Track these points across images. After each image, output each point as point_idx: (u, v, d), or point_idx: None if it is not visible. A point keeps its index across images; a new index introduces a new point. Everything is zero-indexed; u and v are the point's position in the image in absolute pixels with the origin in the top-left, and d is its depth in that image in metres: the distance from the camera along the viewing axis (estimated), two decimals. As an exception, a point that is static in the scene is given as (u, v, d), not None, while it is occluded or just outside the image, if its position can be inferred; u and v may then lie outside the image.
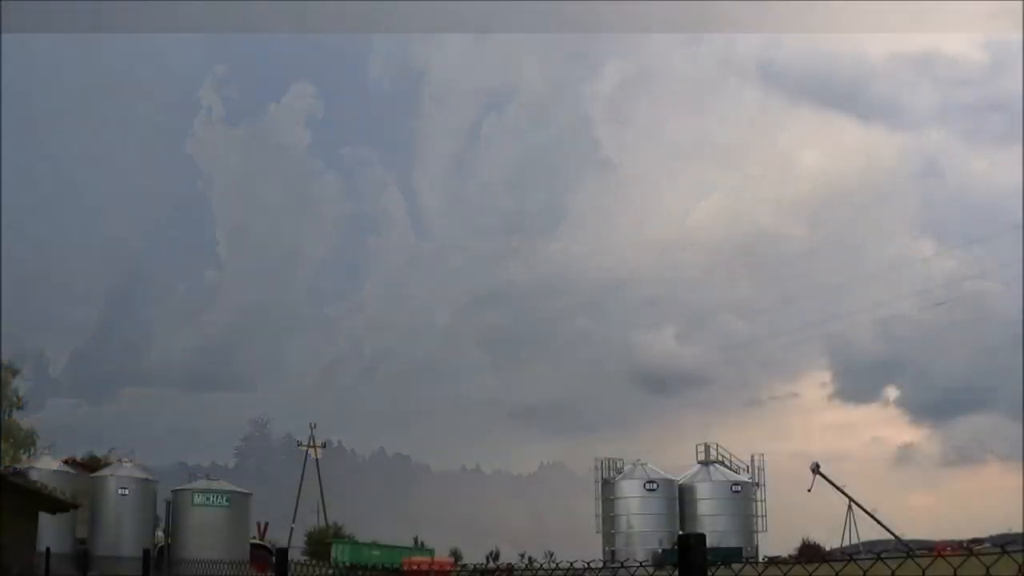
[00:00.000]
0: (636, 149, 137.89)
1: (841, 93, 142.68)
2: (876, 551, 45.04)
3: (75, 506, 21.92)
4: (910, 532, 59.18)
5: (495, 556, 69.05)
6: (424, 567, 47.75)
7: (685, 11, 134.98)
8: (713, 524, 57.54)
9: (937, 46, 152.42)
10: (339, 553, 55.21)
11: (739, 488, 60.92)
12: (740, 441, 64.14)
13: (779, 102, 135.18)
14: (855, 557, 5.51)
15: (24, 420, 61.86)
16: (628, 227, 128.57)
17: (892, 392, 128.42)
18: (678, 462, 63.47)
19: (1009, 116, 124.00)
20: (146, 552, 13.70)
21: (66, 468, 55.91)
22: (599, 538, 61.19)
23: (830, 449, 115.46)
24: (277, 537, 62.38)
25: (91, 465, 60.69)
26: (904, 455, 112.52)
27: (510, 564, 54.36)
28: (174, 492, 54.39)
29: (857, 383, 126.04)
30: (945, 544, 52.27)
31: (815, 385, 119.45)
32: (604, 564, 6.80)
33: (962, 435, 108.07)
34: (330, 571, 39.03)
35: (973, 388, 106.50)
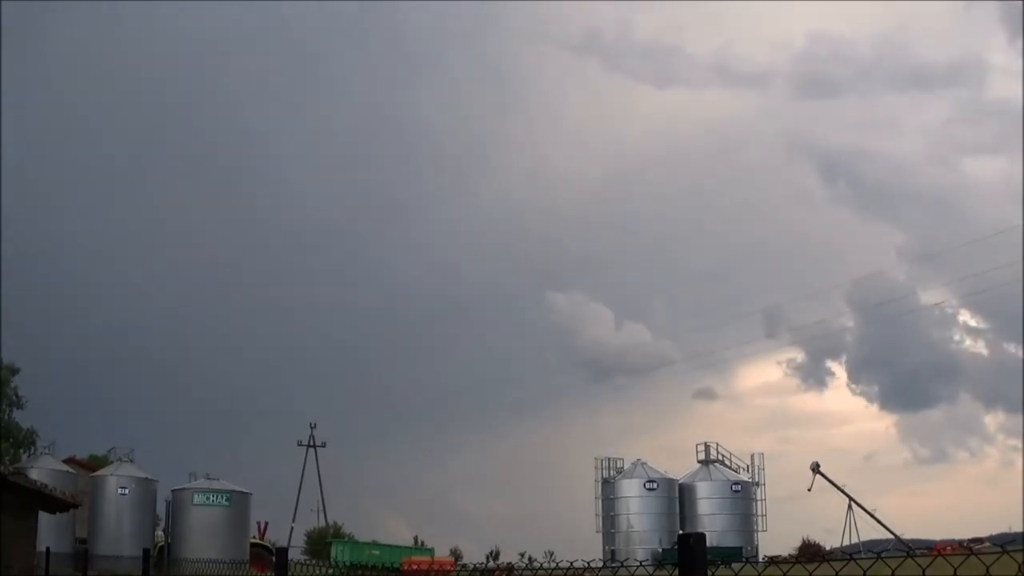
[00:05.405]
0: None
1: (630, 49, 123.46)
2: (876, 550, 45.06)
3: (75, 506, 21.92)
4: (898, 530, 59.13)
5: (495, 556, 69.04)
6: (424, 567, 47.74)
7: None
8: (713, 523, 57.62)
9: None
10: (339, 553, 55.23)
11: (739, 487, 61.00)
12: (692, 436, 63.68)
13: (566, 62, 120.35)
14: (855, 557, 5.51)
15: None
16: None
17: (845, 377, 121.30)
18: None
19: (852, 68, 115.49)
20: (146, 552, 13.69)
21: (66, 468, 56.02)
22: (599, 538, 61.31)
23: (800, 446, 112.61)
24: (277, 537, 62.41)
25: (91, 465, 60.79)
26: (871, 454, 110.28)
27: (510, 564, 54.30)
28: (174, 492, 54.45)
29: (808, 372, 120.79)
30: (945, 543, 52.25)
31: (763, 376, 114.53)
32: (604, 564, 6.80)
33: (938, 430, 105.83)
34: (330, 571, 39.00)
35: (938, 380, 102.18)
